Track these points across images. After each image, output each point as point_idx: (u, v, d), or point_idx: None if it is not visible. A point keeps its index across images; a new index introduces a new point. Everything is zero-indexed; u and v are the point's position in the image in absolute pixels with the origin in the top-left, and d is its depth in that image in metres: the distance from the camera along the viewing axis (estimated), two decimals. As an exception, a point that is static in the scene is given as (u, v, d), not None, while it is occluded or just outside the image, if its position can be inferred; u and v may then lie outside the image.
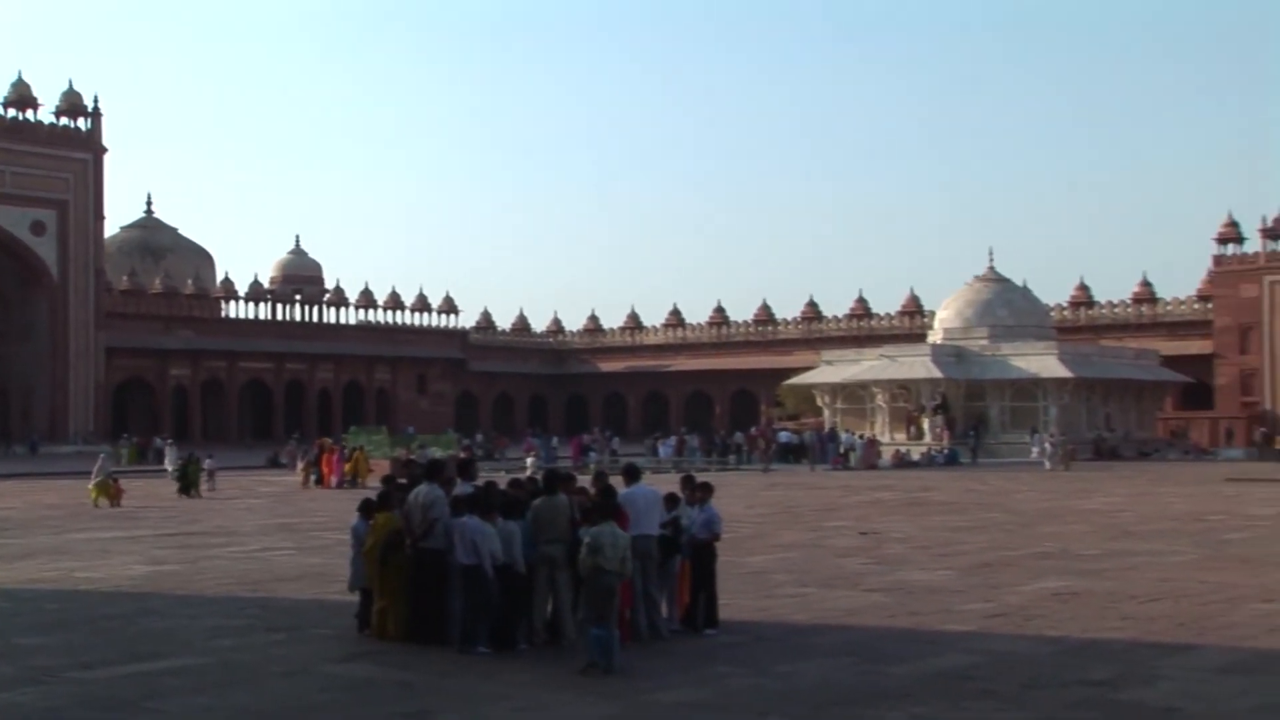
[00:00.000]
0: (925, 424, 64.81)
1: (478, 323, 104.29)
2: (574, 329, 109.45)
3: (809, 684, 11.19)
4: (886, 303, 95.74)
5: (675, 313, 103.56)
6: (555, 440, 66.53)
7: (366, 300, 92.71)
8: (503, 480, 15.73)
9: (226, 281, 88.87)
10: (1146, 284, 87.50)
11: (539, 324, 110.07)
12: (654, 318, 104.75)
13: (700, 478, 15.40)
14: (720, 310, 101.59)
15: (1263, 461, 58.01)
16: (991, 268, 73.81)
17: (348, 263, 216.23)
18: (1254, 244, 77.89)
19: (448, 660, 12.22)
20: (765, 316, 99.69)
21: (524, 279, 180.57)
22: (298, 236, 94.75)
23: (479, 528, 12.47)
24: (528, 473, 28.04)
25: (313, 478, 42.76)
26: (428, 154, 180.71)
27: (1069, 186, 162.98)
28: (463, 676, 11.59)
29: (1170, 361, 76.09)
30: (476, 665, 12.03)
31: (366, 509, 13.97)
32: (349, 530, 14.47)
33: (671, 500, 13.97)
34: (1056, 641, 13.13)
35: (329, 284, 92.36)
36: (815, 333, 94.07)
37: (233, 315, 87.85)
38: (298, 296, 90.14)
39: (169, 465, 48.23)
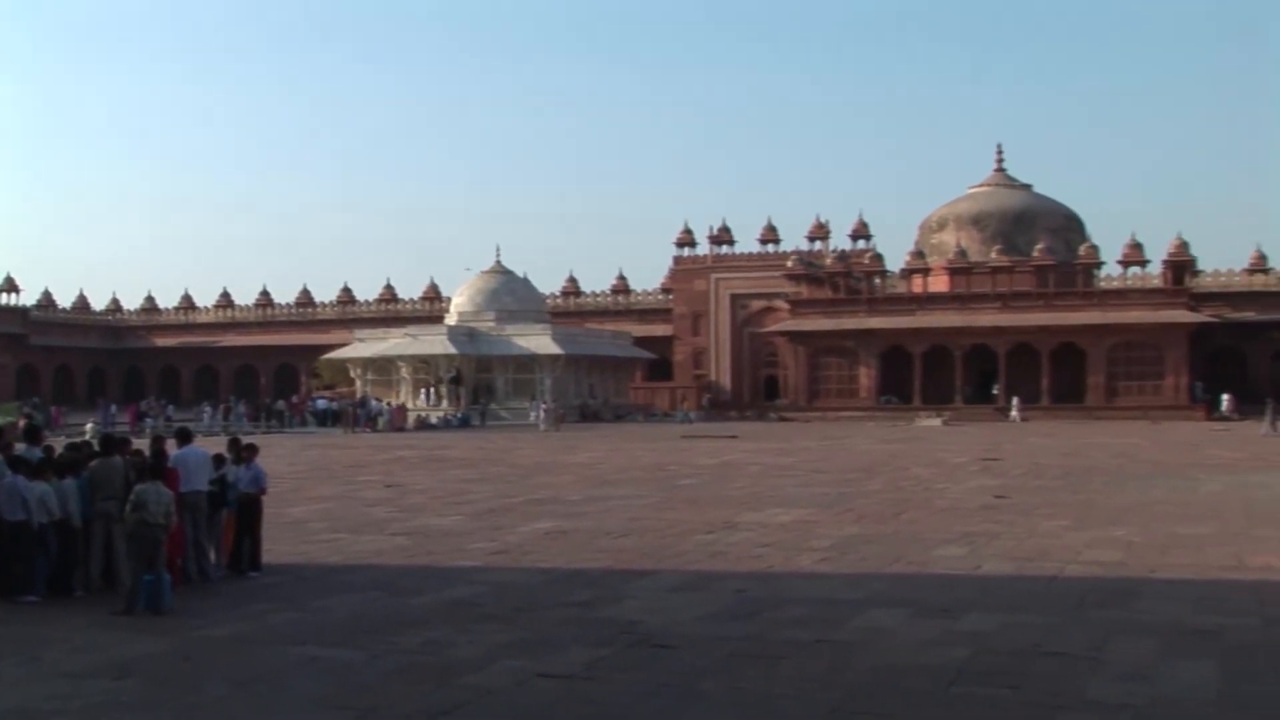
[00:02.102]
0: (428, 392, 65.77)
1: (39, 301, 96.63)
2: (132, 308, 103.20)
3: (341, 616, 11.07)
4: (411, 289, 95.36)
5: (225, 295, 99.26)
6: (114, 408, 62.74)
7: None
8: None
9: None
10: (622, 278, 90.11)
11: (99, 303, 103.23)
12: (206, 299, 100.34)
13: (246, 440, 14.93)
14: (266, 294, 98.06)
15: (709, 421, 61.47)
16: (499, 261, 75.12)
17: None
18: (704, 248, 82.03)
19: (6, 609, 11.33)
20: (306, 300, 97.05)
21: (84, 262, 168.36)
22: None
23: (26, 486, 11.72)
24: (86, 437, 26.37)
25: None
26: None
27: (562, 191, 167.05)
28: (21, 624, 10.77)
29: (640, 341, 79.33)
30: (35, 612, 11.22)
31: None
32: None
33: (219, 460, 13.52)
34: (547, 572, 13.48)
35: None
36: (349, 314, 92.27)
37: None
38: None
39: None
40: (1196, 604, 11.11)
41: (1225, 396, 58.74)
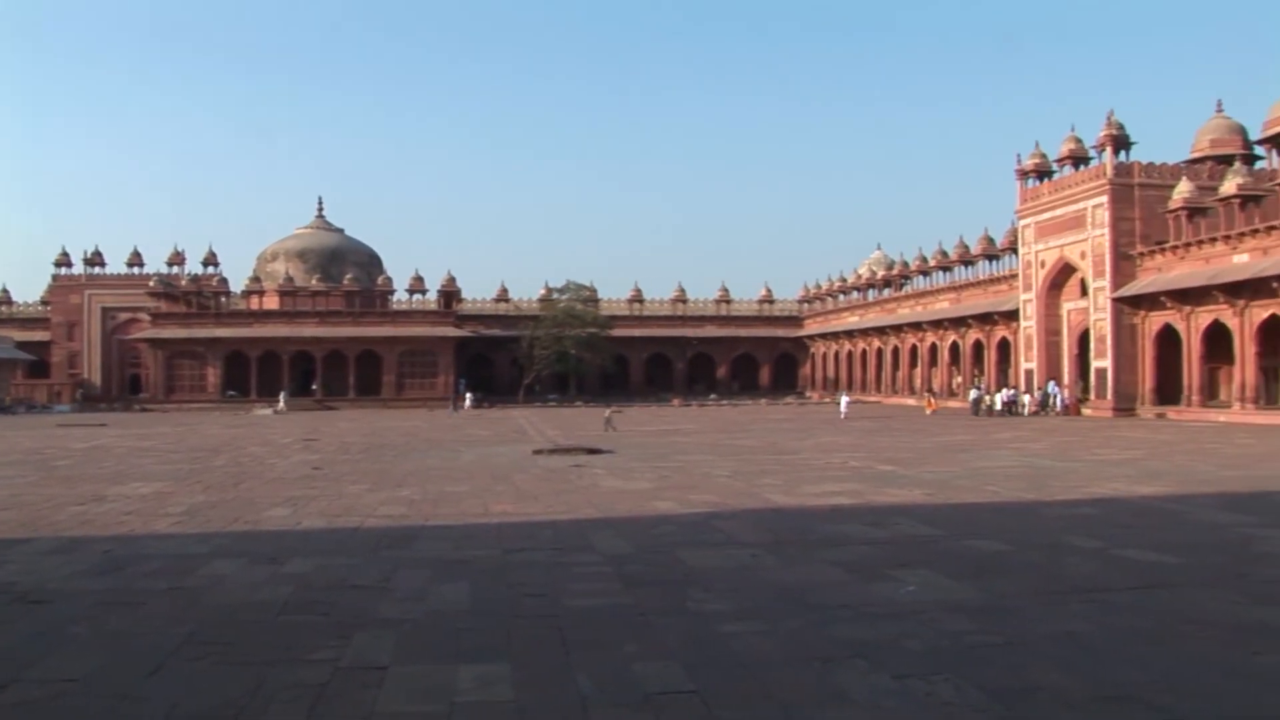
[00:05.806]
0: None
1: None
2: None
3: None
4: None
5: None
6: None
7: None
8: None
9: None
10: (6, 291, 77.04)
11: None
12: None
13: None
14: None
15: (83, 412, 54.47)
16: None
17: None
18: (80, 269, 73.23)
19: None
20: None
21: None
22: None
23: None
24: None
25: None
26: None
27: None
28: None
29: (23, 345, 68.89)
30: None
31: None
32: None
33: None
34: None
35: None
36: None
37: None
38: None
39: None
40: (456, 543, 11.17)
41: (469, 395, 62.23)
